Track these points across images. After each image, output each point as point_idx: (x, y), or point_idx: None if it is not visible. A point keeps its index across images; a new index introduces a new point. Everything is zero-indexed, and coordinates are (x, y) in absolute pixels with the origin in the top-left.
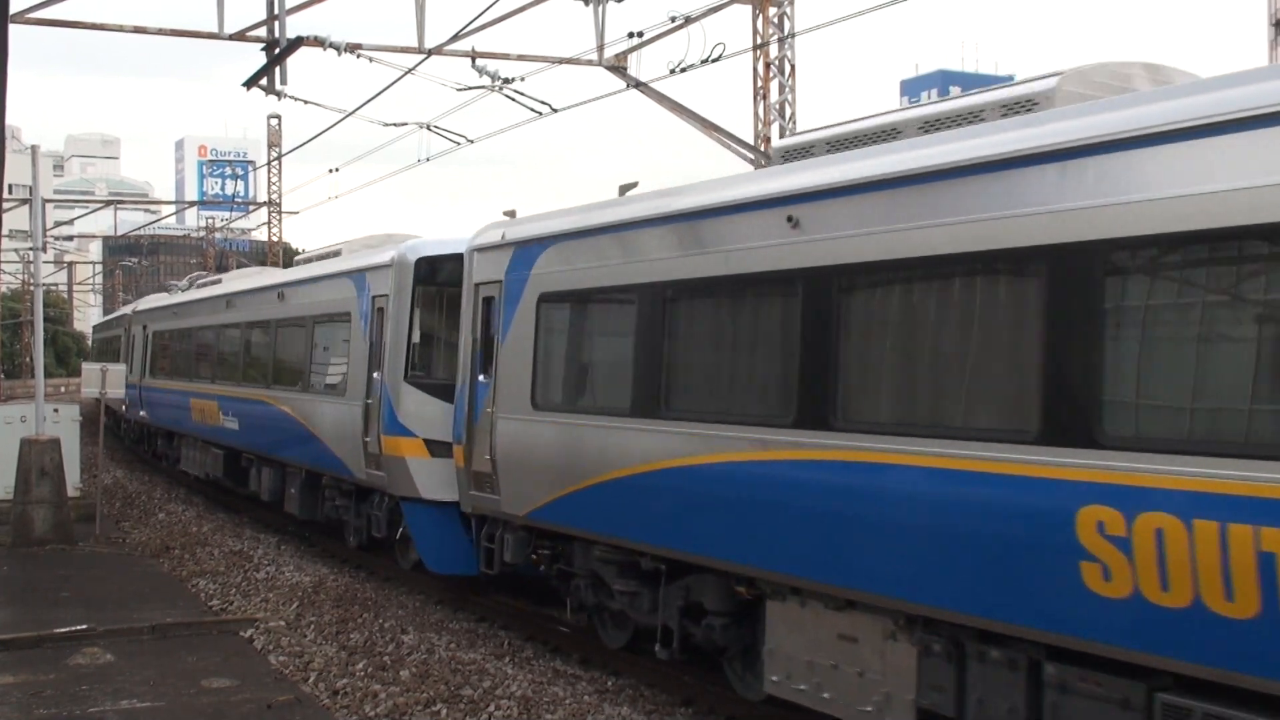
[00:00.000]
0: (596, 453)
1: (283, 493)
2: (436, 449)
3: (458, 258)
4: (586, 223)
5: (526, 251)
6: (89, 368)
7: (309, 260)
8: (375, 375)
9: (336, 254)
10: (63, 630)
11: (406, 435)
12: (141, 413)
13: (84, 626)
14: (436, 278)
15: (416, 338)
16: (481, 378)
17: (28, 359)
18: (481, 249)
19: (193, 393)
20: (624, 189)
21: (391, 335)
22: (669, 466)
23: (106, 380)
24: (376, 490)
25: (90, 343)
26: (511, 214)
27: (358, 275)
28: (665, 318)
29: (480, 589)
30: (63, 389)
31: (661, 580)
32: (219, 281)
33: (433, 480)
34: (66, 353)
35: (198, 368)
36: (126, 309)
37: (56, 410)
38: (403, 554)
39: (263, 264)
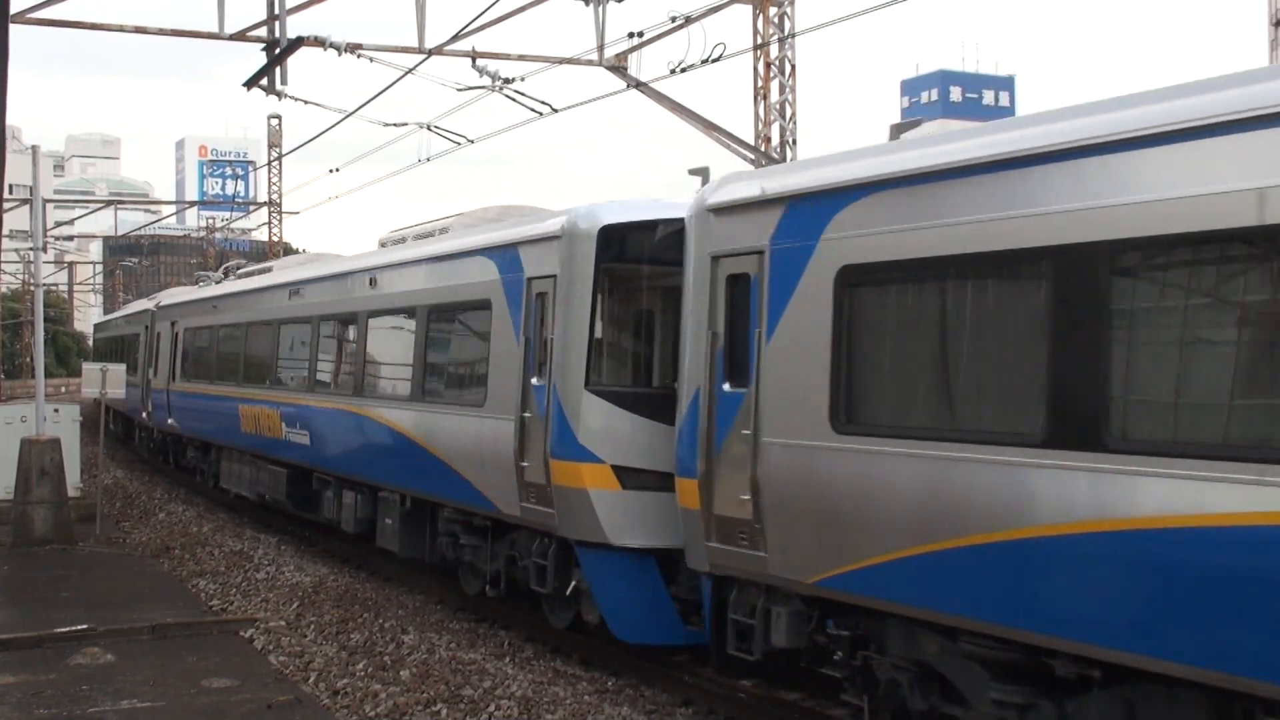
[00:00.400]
0: (970, 499)
1: (373, 523)
2: (630, 478)
3: (650, 226)
4: (940, 160)
5: (810, 208)
6: (89, 368)
7: (401, 240)
8: (534, 381)
9: (444, 231)
10: (63, 630)
11: (589, 460)
12: (170, 421)
13: (84, 626)
14: (625, 253)
15: (599, 332)
16: (727, 386)
17: (28, 359)
18: (723, 209)
19: (243, 399)
20: (897, 129)
21: (563, 330)
22: (1140, 527)
23: (106, 380)
24: (535, 530)
25: (92, 343)
26: (702, 172)
27: (503, 253)
28: (1123, 295)
29: (672, 661)
30: (63, 389)
31: (1089, 690)
32: (269, 269)
33: (624, 520)
34: (67, 353)
35: (250, 370)
36: (144, 304)
37: (57, 410)
38: (556, 609)
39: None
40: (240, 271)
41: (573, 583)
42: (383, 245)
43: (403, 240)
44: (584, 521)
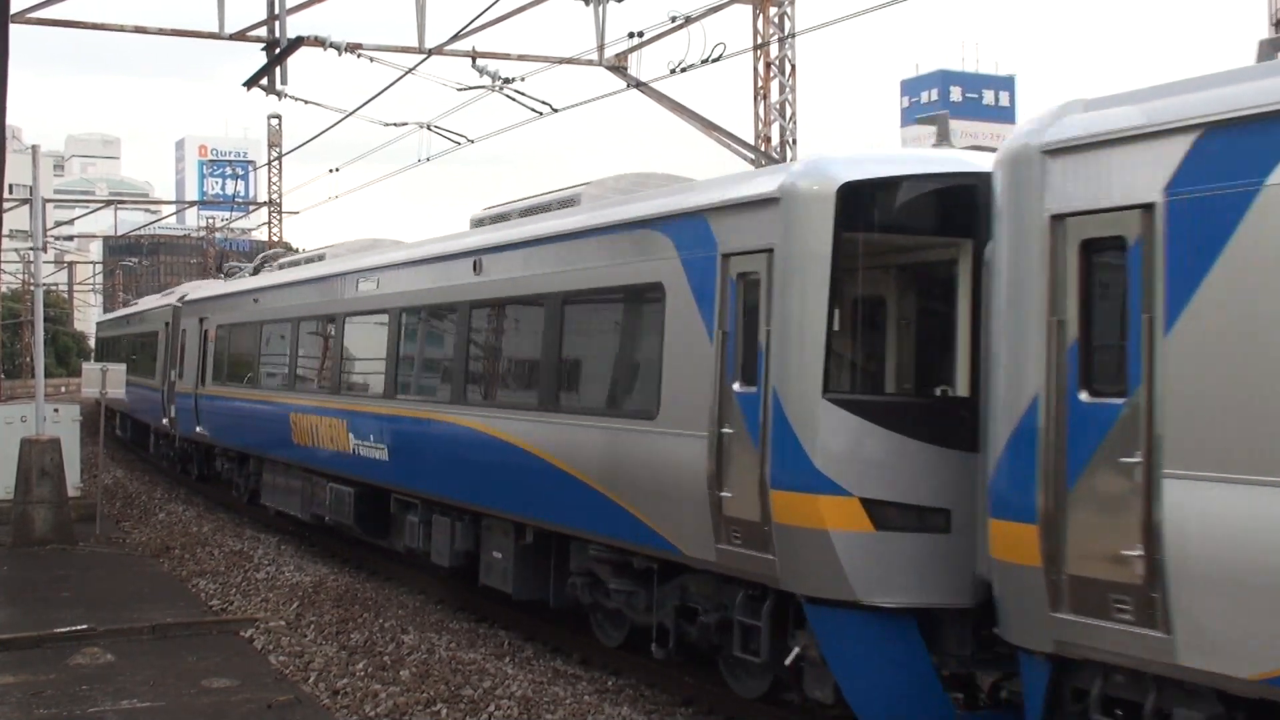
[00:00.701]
0: None
1: (475, 557)
2: (885, 516)
3: (894, 183)
4: None
5: (1246, 140)
6: (89, 368)
7: (504, 217)
8: (738, 388)
9: (571, 202)
10: (63, 630)
11: (830, 491)
12: (198, 429)
13: (84, 626)
14: (871, 219)
15: (837, 323)
16: (1086, 396)
17: (28, 359)
18: (1072, 149)
19: (296, 406)
20: (1270, 45)
21: (786, 321)
22: None
23: (106, 380)
24: (735, 580)
25: (94, 342)
26: (939, 119)
27: (683, 224)
28: None
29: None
30: (63, 389)
31: None
32: (322, 258)
33: (878, 570)
34: (66, 353)
35: (305, 372)
36: (160, 299)
37: (57, 410)
38: (745, 673)
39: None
40: (283, 261)
41: (795, 649)
42: (479, 224)
43: (505, 217)
44: (822, 572)
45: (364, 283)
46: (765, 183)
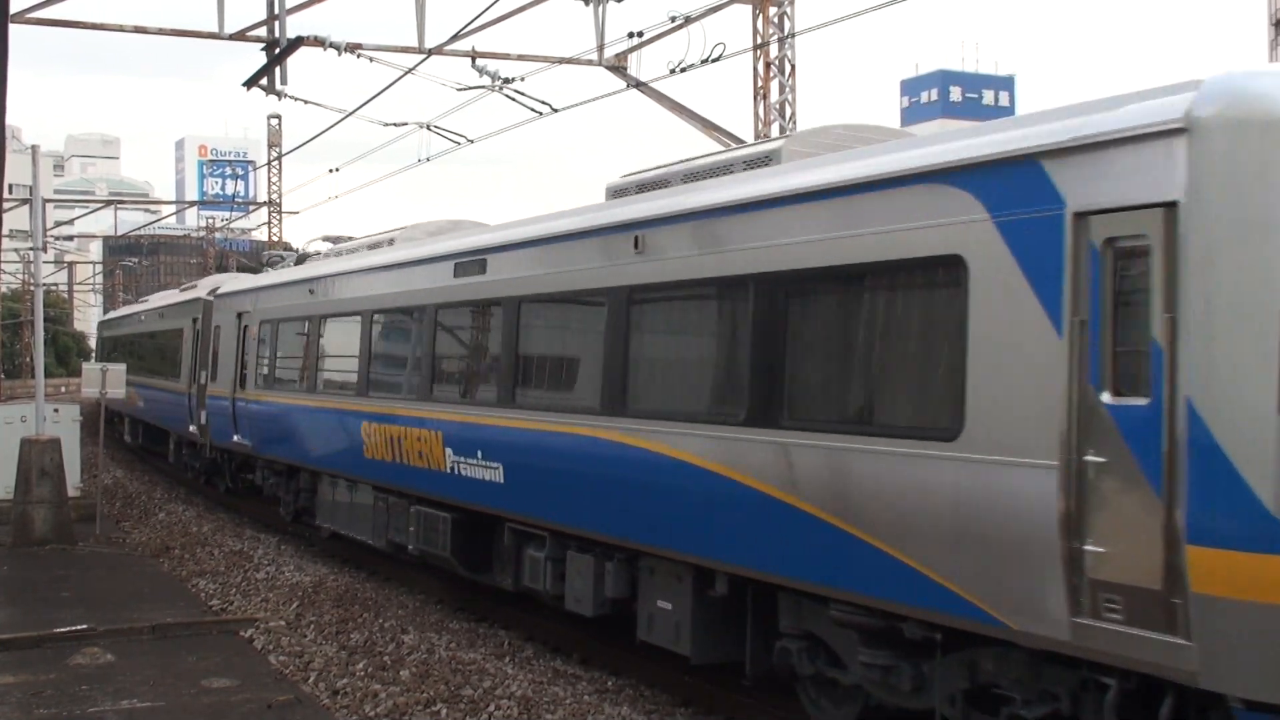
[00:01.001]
0: None
1: (628, 603)
2: None
3: None
4: None
5: None
6: (89, 368)
7: (659, 184)
8: (1108, 399)
9: (764, 160)
10: (63, 630)
11: None
12: (236, 437)
13: (84, 626)
14: None
15: None
16: None
17: (28, 359)
18: None
19: (371, 414)
20: None
21: (1202, 308)
22: None
23: (106, 380)
24: (1068, 660)
25: (96, 341)
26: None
27: (1000, 172)
28: None
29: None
30: (63, 389)
31: None
32: (391, 241)
33: None
34: (66, 353)
35: (382, 375)
36: (186, 293)
37: (57, 410)
38: None
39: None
40: (344, 246)
41: None
42: (619, 194)
43: (663, 183)
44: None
45: (464, 268)
46: (1155, 109)
